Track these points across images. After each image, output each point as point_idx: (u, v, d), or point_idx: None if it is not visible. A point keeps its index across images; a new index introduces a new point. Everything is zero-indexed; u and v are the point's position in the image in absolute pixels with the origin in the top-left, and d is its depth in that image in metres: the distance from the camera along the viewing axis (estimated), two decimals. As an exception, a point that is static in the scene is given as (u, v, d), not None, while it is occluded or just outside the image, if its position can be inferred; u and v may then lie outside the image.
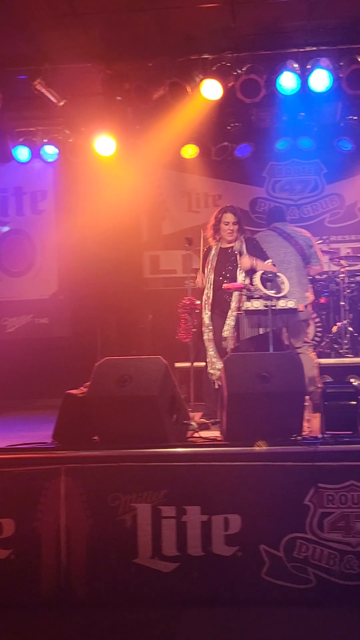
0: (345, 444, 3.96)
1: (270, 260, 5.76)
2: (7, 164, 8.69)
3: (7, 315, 9.23)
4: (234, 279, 5.67)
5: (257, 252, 5.78)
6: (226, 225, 5.73)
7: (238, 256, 5.72)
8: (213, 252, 5.86)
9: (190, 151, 8.77)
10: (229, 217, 5.74)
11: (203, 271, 5.83)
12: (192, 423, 4.64)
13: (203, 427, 4.85)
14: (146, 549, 3.79)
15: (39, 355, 8.71)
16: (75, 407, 4.21)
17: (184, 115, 7.40)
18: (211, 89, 7.01)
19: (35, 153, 8.51)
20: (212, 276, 5.73)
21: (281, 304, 5.44)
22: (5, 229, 9.46)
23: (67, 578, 3.82)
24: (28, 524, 3.85)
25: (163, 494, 3.80)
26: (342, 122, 8.55)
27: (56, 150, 8.47)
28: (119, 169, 8.48)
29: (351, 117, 8.45)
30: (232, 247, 5.77)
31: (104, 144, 7.92)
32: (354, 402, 4.25)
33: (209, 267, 5.79)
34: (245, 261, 5.63)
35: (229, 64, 7.02)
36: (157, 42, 6.83)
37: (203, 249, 5.89)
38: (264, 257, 5.77)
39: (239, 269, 5.68)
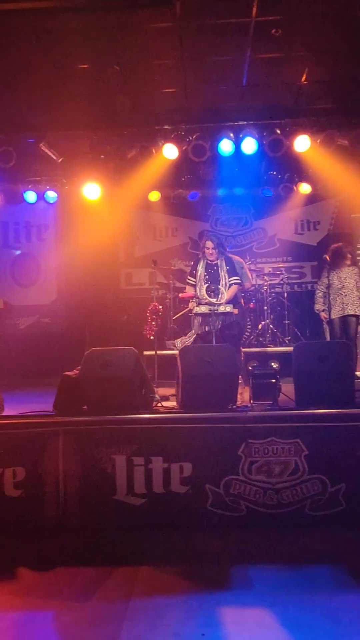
0: (267, 410, 4.02)
1: (236, 278, 5.85)
2: (19, 204, 8.57)
3: (19, 316, 9.15)
4: (217, 289, 5.75)
5: (231, 268, 5.85)
6: (207, 249, 5.77)
7: (220, 270, 5.78)
8: (201, 264, 5.86)
9: (155, 196, 8.76)
10: (209, 244, 5.79)
11: (192, 275, 5.89)
12: (156, 396, 4.65)
13: (164, 399, 4.86)
14: (122, 488, 3.77)
15: (42, 346, 8.66)
16: (69, 385, 4.19)
17: (150, 169, 7.38)
18: (170, 151, 7.01)
19: (40, 196, 8.42)
20: (204, 283, 5.77)
21: (221, 309, 5.48)
22: (18, 252, 9.35)
23: (64, 510, 3.79)
24: (35, 471, 3.80)
25: (135, 448, 3.79)
26: (265, 175, 8.63)
27: (56, 195, 8.39)
28: (102, 208, 8.43)
29: (272, 172, 8.54)
30: (216, 263, 5.82)
31: (91, 190, 7.86)
32: (274, 380, 4.32)
33: (199, 276, 5.80)
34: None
35: (183, 133, 7.03)
36: (131, 116, 6.79)
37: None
38: (234, 272, 5.83)
39: (220, 279, 5.74)
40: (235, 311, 5.57)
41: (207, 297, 5.48)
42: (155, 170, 7.43)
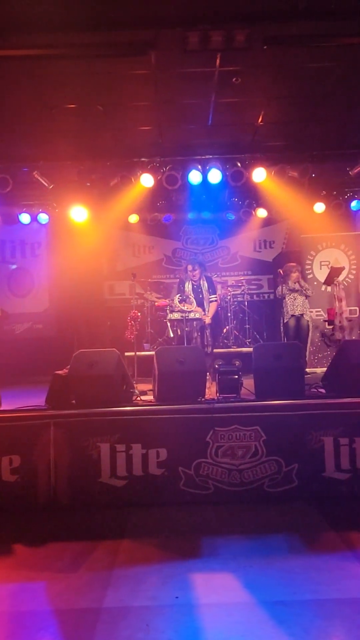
0: (231, 402, 4.03)
1: (215, 296, 5.99)
2: (15, 225, 8.42)
3: (15, 323, 8.97)
4: (202, 303, 5.96)
5: (211, 286, 5.94)
6: (190, 272, 5.88)
7: (202, 288, 5.99)
8: (188, 284, 6.09)
9: (134, 218, 8.70)
10: (190, 267, 6.00)
11: (181, 292, 6.08)
12: (136, 391, 4.62)
13: (142, 393, 4.83)
14: (106, 472, 3.75)
15: (35, 348, 8.50)
16: (60, 382, 4.13)
17: (130, 196, 7.34)
18: (147, 180, 6.99)
19: (34, 218, 8.28)
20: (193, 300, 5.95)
21: (191, 315, 5.50)
22: (14, 266, 9.17)
23: (55, 492, 3.74)
24: (29, 458, 3.75)
25: (117, 437, 3.78)
26: (228, 202, 8.68)
27: (47, 217, 8.27)
28: (88, 229, 8.34)
29: (234, 199, 8.60)
30: (198, 283, 5.99)
31: (79, 213, 7.77)
32: (237, 376, 4.33)
33: (187, 293, 6.01)
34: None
35: (158, 165, 7.02)
36: (113, 149, 6.77)
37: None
38: (213, 290, 5.94)
39: (203, 298, 5.95)
40: (204, 316, 5.59)
41: (179, 305, 5.50)
42: (134, 196, 7.41)
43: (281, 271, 6.43)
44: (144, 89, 5.24)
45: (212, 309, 5.83)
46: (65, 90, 5.20)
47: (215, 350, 6.55)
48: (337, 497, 3.71)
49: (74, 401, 4.13)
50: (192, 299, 5.65)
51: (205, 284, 5.93)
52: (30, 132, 6.12)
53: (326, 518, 3.42)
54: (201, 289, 5.89)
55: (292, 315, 6.60)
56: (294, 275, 6.66)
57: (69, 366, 4.10)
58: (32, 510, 3.68)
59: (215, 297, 5.92)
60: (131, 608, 2.52)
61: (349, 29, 4.22)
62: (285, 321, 6.60)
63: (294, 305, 6.58)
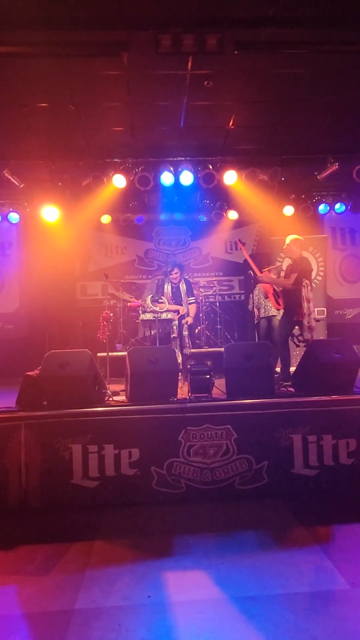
0: (203, 402, 4.05)
1: (192, 298, 6.03)
2: (-15, 225, 8.26)
3: (-15, 323, 8.77)
4: (180, 305, 5.98)
5: (189, 289, 5.98)
6: (174, 274, 5.89)
7: (180, 291, 6.03)
8: (167, 285, 6.08)
9: (106, 219, 8.65)
10: (176, 270, 6.06)
11: (162, 293, 6.09)
12: (108, 391, 4.59)
13: (115, 394, 4.80)
14: (78, 473, 3.71)
15: (6, 349, 8.31)
16: (31, 383, 4.05)
17: (102, 196, 7.29)
18: (119, 181, 6.96)
19: (4, 217, 8.13)
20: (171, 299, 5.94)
21: (163, 316, 5.50)
22: (-17, 266, 8.97)
23: (25, 494, 3.67)
24: (0, 460, 3.67)
25: (89, 437, 3.74)
26: (200, 203, 8.73)
27: (18, 216, 8.12)
28: (60, 229, 8.23)
29: (205, 201, 8.65)
30: (177, 285, 6.02)
31: (50, 213, 7.66)
32: (208, 376, 4.36)
33: (166, 294, 6.03)
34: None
35: (130, 166, 7.01)
36: (85, 149, 6.71)
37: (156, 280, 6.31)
38: (191, 292, 5.94)
39: (182, 300, 5.97)
40: (176, 317, 5.60)
41: (151, 305, 5.49)
42: (106, 196, 7.36)
43: (251, 272, 6.49)
44: (117, 89, 5.22)
45: (192, 310, 5.89)
46: (36, 88, 5.11)
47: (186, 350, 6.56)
48: (306, 493, 3.78)
49: (45, 402, 4.06)
50: (165, 299, 5.66)
51: (184, 287, 5.96)
52: (1, 130, 6.00)
53: (295, 514, 3.48)
54: (180, 292, 5.93)
55: (264, 317, 6.67)
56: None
57: (40, 367, 4.03)
58: (1, 513, 3.60)
59: (194, 300, 5.97)
60: (104, 609, 2.50)
61: (318, 36, 4.32)
62: (256, 322, 6.68)
63: (266, 307, 6.66)
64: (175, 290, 5.97)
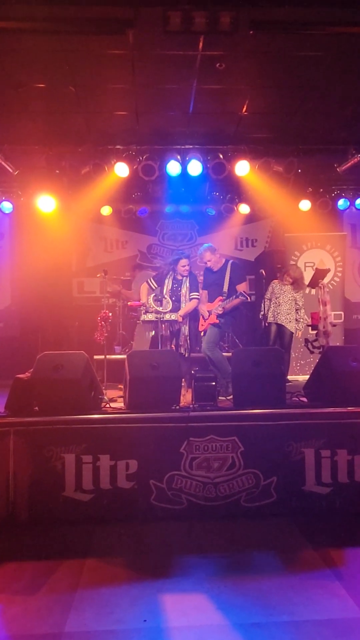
0: (207, 411, 4.05)
1: (196, 294, 5.91)
2: (-25, 214, 8.30)
3: (-27, 321, 8.81)
4: (179, 301, 5.77)
5: (193, 284, 5.88)
6: (183, 267, 5.79)
7: (183, 286, 5.82)
8: (169, 278, 5.88)
9: (107, 210, 8.70)
10: (184, 262, 5.81)
11: (156, 281, 5.91)
12: (105, 397, 4.60)
13: (112, 400, 4.81)
14: (71, 485, 3.72)
15: (-4, 349, 8.38)
16: (21, 387, 4.07)
17: (103, 185, 7.32)
18: (121, 169, 7.00)
19: (-4, 206, 8.19)
20: (170, 297, 5.79)
21: (166, 317, 5.51)
22: (-28, 259, 9.01)
23: (13, 507, 3.68)
24: (-15, 470, 3.69)
25: (83, 447, 3.75)
26: (209, 195, 8.75)
27: (11, 205, 8.17)
28: (57, 220, 8.28)
29: (215, 193, 8.67)
30: (181, 279, 5.85)
31: (46, 203, 7.71)
32: (214, 383, 4.36)
33: (165, 288, 5.82)
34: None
35: (134, 153, 7.04)
36: (85, 134, 6.75)
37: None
38: (195, 288, 5.88)
39: (182, 294, 5.80)
40: (180, 319, 5.60)
41: (154, 305, 5.50)
42: (107, 186, 7.39)
43: (263, 271, 6.50)
44: (121, 70, 5.24)
45: (189, 305, 5.75)
46: (34, 68, 5.15)
47: (191, 354, 6.56)
48: (317, 512, 3.77)
49: (36, 408, 4.07)
50: (168, 299, 5.65)
51: (188, 282, 5.88)
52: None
53: (305, 534, 3.47)
54: (181, 288, 5.85)
55: (274, 323, 6.66)
56: (287, 277, 6.72)
57: (32, 369, 4.05)
58: (-13, 526, 3.62)
59: (197, 295, 5.89)
60: (95, 633, 2.50)
61: (340, 16, 4.32)
62: (265, 325, 6.68)
63: (277, 311, 6.64)
64: (176, 287, 5.86)
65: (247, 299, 5.63)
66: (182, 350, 5.70)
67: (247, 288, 6.15)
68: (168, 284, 5.89)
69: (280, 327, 6.65)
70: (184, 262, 5.88)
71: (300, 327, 6.69)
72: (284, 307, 6.61)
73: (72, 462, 3.72)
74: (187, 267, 5.87)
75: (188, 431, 3.80)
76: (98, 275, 6.27)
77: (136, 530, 3.56)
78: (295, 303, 6.68)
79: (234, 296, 5.63)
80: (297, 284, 6.70)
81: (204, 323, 5.88)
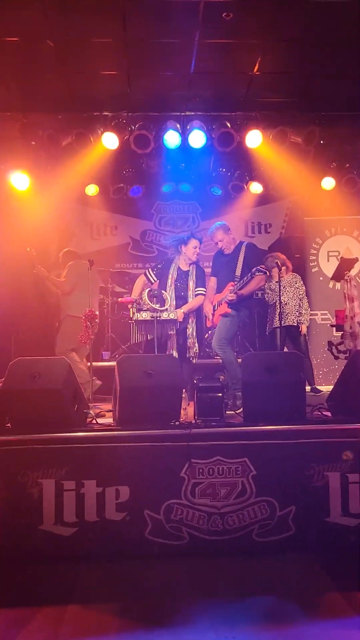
0: (213, 427, 4.03)
1: (203, 289, 5.90)
2: None
3: None
4: (184, 297, 5.76)
5: (201, 277, 5.88)
6: (194, 249, 5.78)
7: (189, 278, 5.82)
8: (174, 267, 5.86)
9: (92, 190, 8.71)
10: (194, 244, 5.81)
11: (154, 270, 5.92)
12: (90, 412, 4.59)
13: (99, 415, 4.80)
14: (50, 517, 3.70)
15: None
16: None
17: (87, 160, 7.34)
18: (110, 140, 7.01)
19: None
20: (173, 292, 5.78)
21: (164, 315, 5.50)
22: None
23: (-19, 544, 3.67)
24: None
25: (65, 471, 3.73)
26: (214, 172, 8.77)
27: (-21, 183, 8.16)
28: (33, 202, 8.26)
29: (221, 169, 8.67)
30: (187, 270, 5.85)
31: (19, 180, 7.70)
32: (220, 394, 4.34)
33: (170, 279, 5.80)
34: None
35: (124, 121, 7.05)
36: (66, 99, 6.75)
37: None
38: (202, 282, 5.87)
39: (188, 286, 5.78)
40: (180, 319, 5.59)
41: (149, 302, 5.48)
42: (93, 160, 7.39)
43: (279, 263, 6.48)
44: (109, 22, 5.24)
45: (194, 301, 5.72)
46: (5, 18, 5.13)
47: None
48: (344, 548, 3.75)
49: (8, 424, 4.06)
50: (168, 295, 5.62)
51: (195, 273, 5.87)
52: None
53: (330, 574, 3.45)
54: (187, 278, 5.83)
55: (280, 327, 6.64)
56: (274, 270, 6.64)
57: (3, 379, 4.03)
58: None
59: (203, 291, 5.88)
60: None
61: None
62: (271, 328, 6.64)
63: (283, 312, 6.59)
64: (183, 277, 5.84)
65: (266, 273, 5.56)
66: (191, 354, 5.69)
67: None
68: (173, 271, 5.87)
69: (289, 329, 6.62)
70: (194, 242, 5.84)
71: (305, 320, 6.63)
72: (291, 305, 6.60)
73: (52, 490, 3.71)
74: (197, 250, 5.84)
75: (190, 452, 3.79)
76: (28, 249, 6.35)
77: (128, 570, 3.54)
78: (299, 294, 6.66)
79: (249, 275, 5.54)
80: (286, 266, 6.66)
81: (211, 317, 5.86)
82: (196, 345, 5.74)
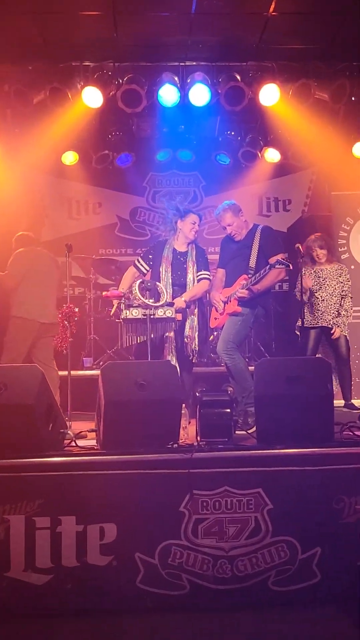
0: (219, 451, 4.02)
1: (207, 273, 5.93)
2: None
3: None
4: (182, 284, 5.80)
5: (203, 258, 5.92)
6: (192, 225, 5.81)
7: (188, 260, 5.85)
8: (167, 249, 5.92)
9: (70, 158, 8.69)
10: (193, 219, 5.86)
11: (146, 260, 5.97)
12: (68, 432, 4.59)
13: (79, 436, 4.80)
14: (19, 562, 3.69)
15: None
16: None
17: (65, 121, 7.33)
18: (92, 97, 6.99)
19: None
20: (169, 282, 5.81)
21: (159, 313, 5.49)
22: None
23: None
24: None
25: (37, 505, 3.73)
26: (221, 136, 8.76)
27: None
28: (-3, 172, 8.28)
29: (229, 132, 8.67)
30: (185, 251, 5.88)
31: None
32: (229, 410, 4.34)
33: (163, 270, 5.84)
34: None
35: (110, 73, 7.04)
36: (38, 45, 6.74)
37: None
38: (205, 264, 5.86)
39: (188, 270, 5.82)
40: (178, 317, 5.59)
41: (140, 295, 5.48)
42: (71, 122, 7.39)
43: (300, 246, 6.47)
44: None
45: (197, 288, 5.76)
46: None
47: (196, 368, 6.54)
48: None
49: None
50: (164, 287, 5.62)
51: (195, 254, 5.87)
52: None
53: (364, 632, 3.46)
54: (186, 260, 5.83)
55: (315, 327, 6.64)
56: (321, 252, 6.69)
57: None
58: None
59: (207, 275, 5.87)
60: None
61: None
62: (302, 327, 6.66)
63: (319, 310, 6.59)
64: (180, 259, 5.84)
65: (288, 266, 5.49)
66: (188, 351, 5.69)
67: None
68: (167, 252, 5.89)
69: (323, 330, 6.62)
70: (192, 217, 5.88)
71: (342, 322, 6.64)
72: (331, 301, 6.59)
73: (21, 528, 3.71)
74: (196, 227, 5.87)
75: (191, 481, 3.79)
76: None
77: (116, 627, 3.54)
78: (342, 289, 6.65)
79: (266, 268, 5.53)
80: (331, 253, 6.68)
81: (219, 315, 5.82)
82: (196, 340, 5.73)
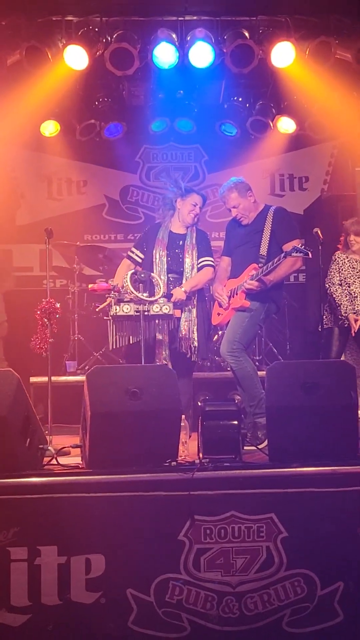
0: (225, 470, 4.02)
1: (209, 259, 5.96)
2: None
3: None
4: (179, 271, 5.83)
5: (205, 244, 5.96)
6: (194, 206, 5.86)
7: (187, 246, 5.88)
8: (163, 231, 5.96)
9: (51, 128, 8.66)
10: (195, 200, 5.91)
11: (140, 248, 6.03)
12: (49, 448, 4.58)
13: (61, 453, 4.80)
14: (-8, 599, 3.72)
15: None
16: None
17: (44, 85, 7.30)
18: (76, 57, 6.96)
19: None
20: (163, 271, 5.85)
21: (155, 309, 5.48)
22: None
23: None
24: None
25: (12, 533, 3.73)
26: (226, 103, 8.75)
27: None
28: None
29: (236, 98, 8.65)
30: (183, 234, 5.92)
31: None
32: (236, 422, 4.34)
33: (157, 258, 5.87)
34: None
35: (97, 29, 7.01)
36: (13, -3, 6.74)
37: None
38: (207, 250, 5.87)
39: (188, 256, 5.84)
40: (177, 314, 5.59)
41: (133, 289, 5.48)
42: (51, 86, 7.38)
43: (320, 232, 6.48)
44: None
45: (199, 276, 5.78)
46: None
47: (197, 374, 6.55)
48: None
49: None
50: (157, 275, 5.62)
51: (194, 236, 5.87)
52: None
53: None
54: (184, 245, 5.83)
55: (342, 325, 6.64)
56: (355, 239, 6.68)
57: None
58: None
59: (211, 261, 5.87)
60: None
61: None
62: (328, 326, 6.66)
63: (353, 303, 6.60)
64: (177, 242, 5.84)
65: (307, 254, 5.44)
66: (185, 349, 5.70)
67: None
68: (161, 239, 5.90)
69: (349, 331, 6.64)
70: (194, 197, 5.91)
71: None
72: None
73: (-6, 560, 3.72)
74: (197, 211, 5.91)
75: (192, 505, 3.80)
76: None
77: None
78: None
79: (280, 256, 5.49)
80: None
81: (223, 311, 5.81)
82: (195, 335, 5.73)
